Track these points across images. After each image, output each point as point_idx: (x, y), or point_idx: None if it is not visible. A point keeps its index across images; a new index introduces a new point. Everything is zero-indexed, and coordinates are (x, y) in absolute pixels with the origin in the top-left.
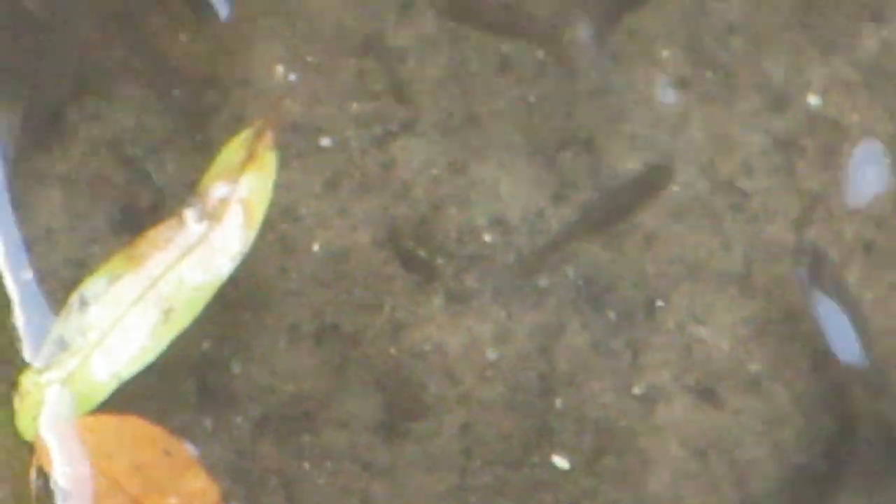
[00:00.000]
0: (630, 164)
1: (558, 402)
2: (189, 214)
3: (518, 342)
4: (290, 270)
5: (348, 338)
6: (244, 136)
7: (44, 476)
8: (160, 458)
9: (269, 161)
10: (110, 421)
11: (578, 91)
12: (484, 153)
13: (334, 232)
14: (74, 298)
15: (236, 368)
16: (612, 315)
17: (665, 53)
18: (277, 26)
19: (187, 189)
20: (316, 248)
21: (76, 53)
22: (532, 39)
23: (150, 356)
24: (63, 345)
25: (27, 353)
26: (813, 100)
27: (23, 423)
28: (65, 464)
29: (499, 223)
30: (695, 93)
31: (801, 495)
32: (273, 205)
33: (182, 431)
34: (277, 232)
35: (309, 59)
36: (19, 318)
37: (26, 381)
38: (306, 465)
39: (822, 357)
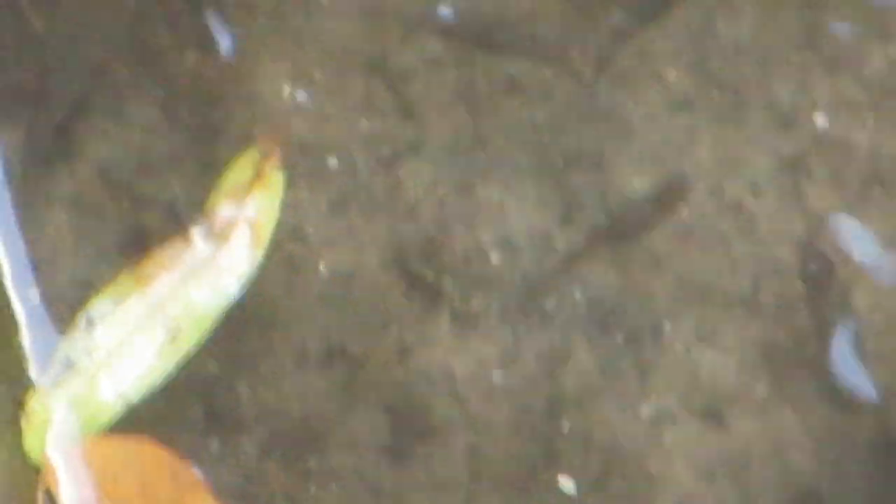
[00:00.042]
0: (638, 186)
1: (565, 425)
2: (196, 234)
3: (525, 364)
4: (296, 291)
5: (355, 359)
6: (251, 155)
7: (51, 497)
8: (167, 480)
9: (276, 181)
10: (117, 442)
11: (586, 112)
12: (491, 174)
13: (341, 252)
14: (81, 318)
15: (243, 390)
16: (619, 337)
17: (672, 74)
18: (285, 45)
19: (194, 209)
20: (323, 268)
21: (82, 73)
22: (539, 60)
23: (156, 377)
24: (70, 365)
25: (34, 373)
26: (820, 120)
27: (30, 444)
28: (71, 485)
29: (506, 244)
30: (702, 113)
31: None
32: (280, 225)
33: (189, 453)
34: (284, 252)
35: (316, 78)
36: (26, 337)
37: (33, 401)
38: (313, 488)
39: (829, 380)
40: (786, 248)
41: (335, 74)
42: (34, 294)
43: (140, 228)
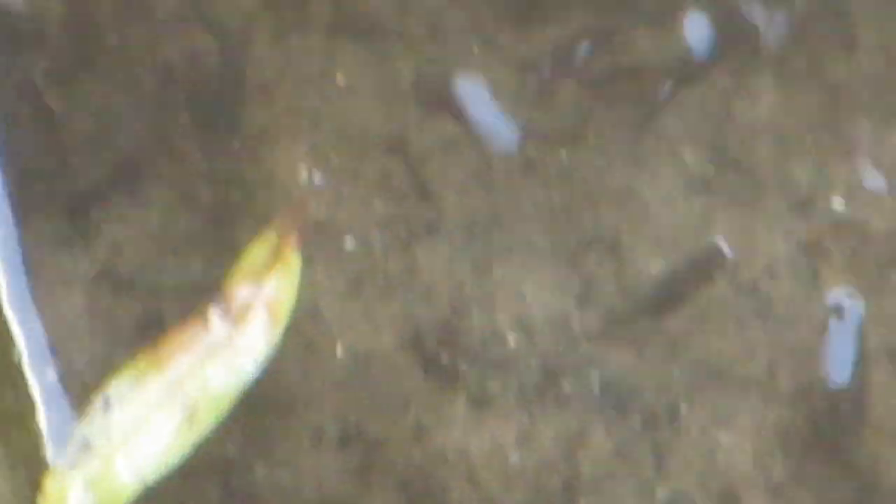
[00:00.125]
0: (654, 268)
1: None
2: (213, 315)
3: (541, 447)
4: (313, 373)
5: (371, 441)
6: (268, 237)
7: None
8: None
9: (293, 262)
10: None
11: (602, 193)
12: (507, 255)
13: (358, 334)
14: (98, 400)
15: (260, 471)
16: (635, 419)
17: (689, 155)
18: (302, 127)
19: (212, 289)
20: (339, 350)
21: (101, 155)
22: (556, 141)
23: (173, 457)
24: (87, 446)
25: (51, 455)
26: (837, 203)
27: None
28: None
29: (522, 326)
30: (719, 195)
31: None
32: (297, 306)
33: None
34: (301, 334)
35: (333, 160)
36: (43, 419)
37: (50, 482)
38: None
39: (845, 463)
40: (803, 331)
41: (352, 156)
42: (51, 374)
43: (157, 309)
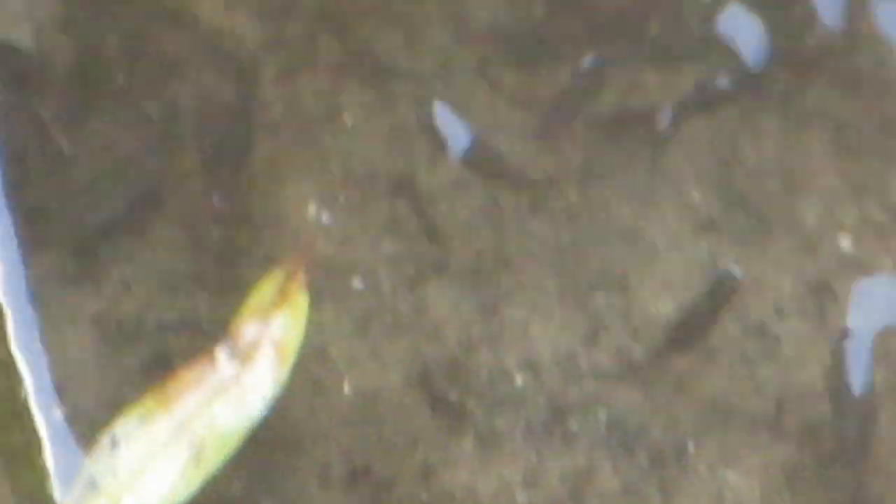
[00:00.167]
0: (662, 307)
1: None
2: (221, 354)
3: (549, 486)
4: (320, 412)
5: (379, 480)
6: (276, 276)
7: None
8: None
9: (300, 302)
10: None
11: (610, 232)
12: (515, 295)
13: (365, 373)
14: (105, 438)
15: None
16: (643, 458)
17: (697, 194)
18: (310, 166)
19: (219, 328)
20: (347, 389)
21: (109, 193)
22: (563, 181)
23: (180, 498)
24: (94, 485)
25: (58, 493)
26: (845, 242)
27: None
28: None
29: (530, 365)
30: (726, 235)
31: None
32: (304, 345)
33: None
34: (308, 373)
35: (341, 199)
36: (49, 457)
37: None
38: None
39: (852, 502)
40: (810, 370)
41: (360, 195)
42: (58, 413)
43: (164, 348)
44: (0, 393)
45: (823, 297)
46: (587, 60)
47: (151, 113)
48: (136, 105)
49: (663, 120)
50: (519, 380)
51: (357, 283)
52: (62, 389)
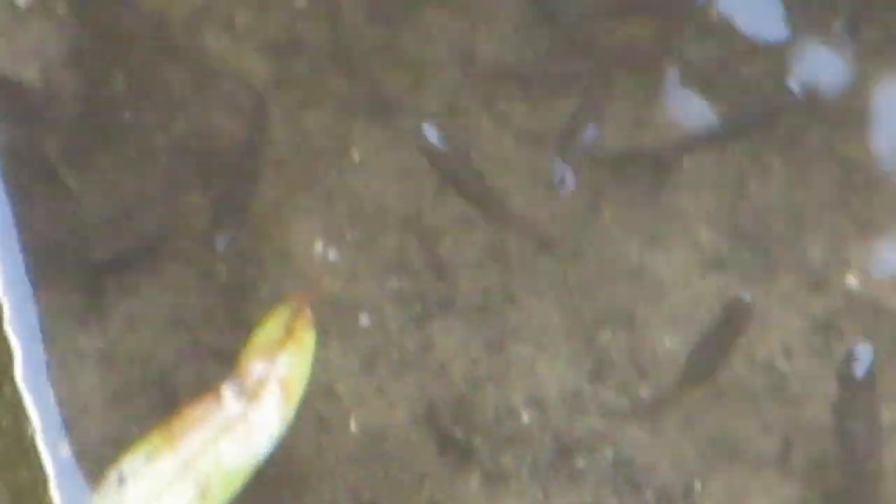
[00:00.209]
0: (669, 345)
1: None
2: (227, 392)
3: None
4: (327, 449)
5: None
6: (282, 313)
7: None
8: None
9: (307, 339)
10: None
11: (616, 270)
12: (522, 332)
13: (372, 410)
14: (112, 475)
15: None
16: (649, 496)
17: (703, 233)
18: (317, 203)
19: (225, 366)
20: (353, 426)
21: (115, 231)
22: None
23: None
24: None
25: None
26: (852, 281)
27: None
28: None
29: (536, 403)
30: (733, 273)
31: None
32: (311, 382)
33: None
34: (315, 410)
35: (348, 236)
36: (56, 493)
37: None
38: None
39: None
40: (818, 408)
41: (367, 232)
42: (65, 449)
43: (171, 385)
44: (7, 430)
45: (830, 334)
46: (594, 98)
47: (159, 149)
48: (143, 141)
49: (669, 157)
50: (525, 417)
51: (364, 320)
52: (69, 426)
